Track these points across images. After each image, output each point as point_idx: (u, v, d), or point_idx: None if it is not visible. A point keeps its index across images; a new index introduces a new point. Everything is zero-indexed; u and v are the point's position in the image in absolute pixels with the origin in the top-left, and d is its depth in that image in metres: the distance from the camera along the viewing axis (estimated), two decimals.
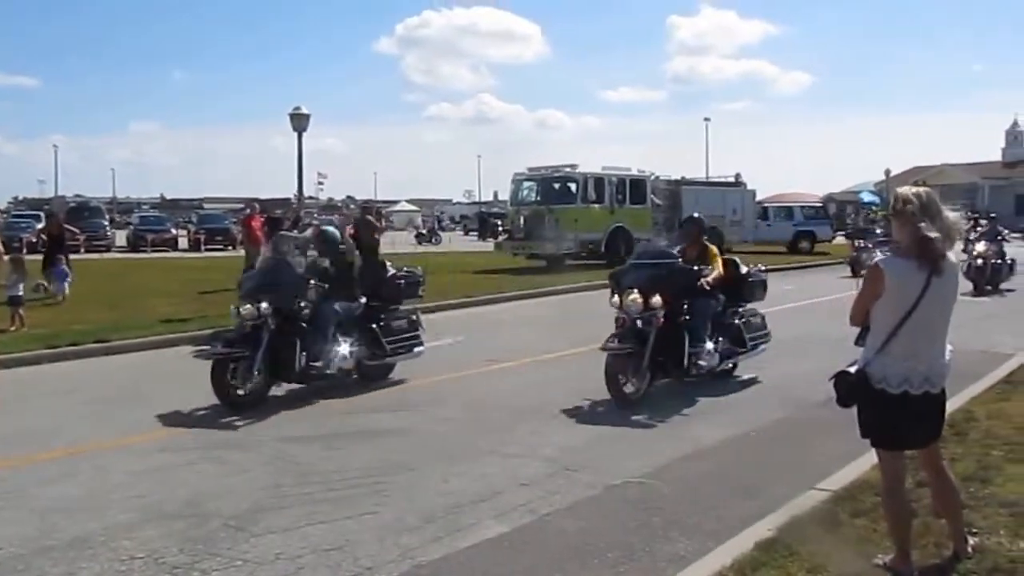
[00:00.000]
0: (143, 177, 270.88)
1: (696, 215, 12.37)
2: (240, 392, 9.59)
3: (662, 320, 9.86)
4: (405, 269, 12.25)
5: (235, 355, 9.58)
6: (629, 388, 9.74)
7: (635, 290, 9.89)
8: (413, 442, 8.36)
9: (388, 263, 12.48)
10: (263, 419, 9.24)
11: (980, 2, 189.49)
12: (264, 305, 9.77)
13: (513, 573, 5.35)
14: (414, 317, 11.89)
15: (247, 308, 9.82)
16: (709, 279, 10.43)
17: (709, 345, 10.36)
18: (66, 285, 19.60)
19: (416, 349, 11.67)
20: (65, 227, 21.00)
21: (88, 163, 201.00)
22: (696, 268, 10.52)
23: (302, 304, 10.27)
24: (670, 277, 10.24)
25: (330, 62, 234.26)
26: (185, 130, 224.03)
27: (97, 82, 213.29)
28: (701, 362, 10.23)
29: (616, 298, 10.24)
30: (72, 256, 22.64)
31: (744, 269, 11.64)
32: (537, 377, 11.72)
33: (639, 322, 9.90)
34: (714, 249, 11.06)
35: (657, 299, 9.78)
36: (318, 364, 10.19)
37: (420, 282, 12.23)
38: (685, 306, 10.33)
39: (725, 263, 11.14)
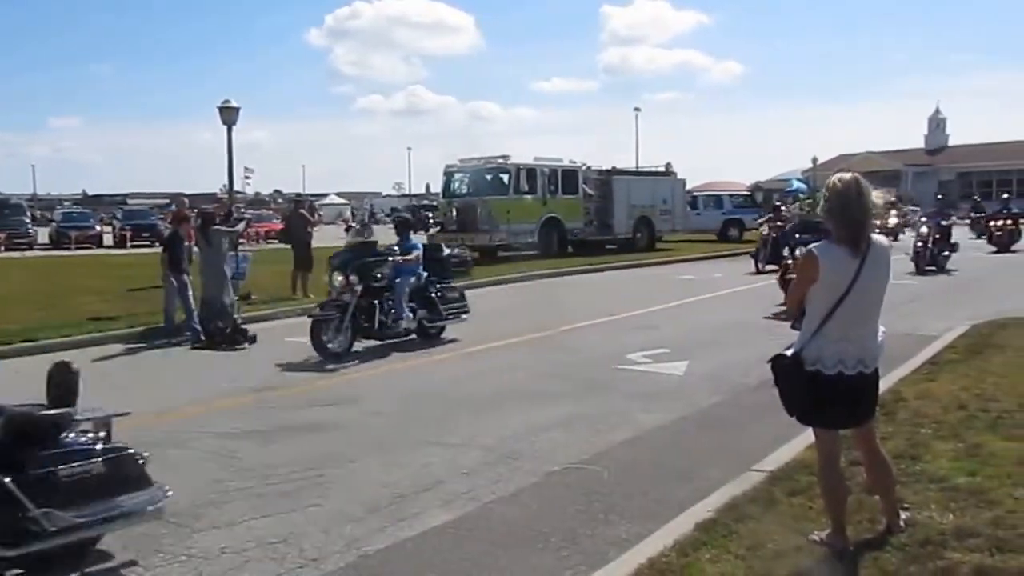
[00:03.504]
0: (65, 173, 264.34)
1: (403, 212, 16.28)
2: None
3: (359, 293, 12.79)
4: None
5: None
6: (332, 345, 12.44)
7: (337, 272, 13.00)
8: (353, 434, 8.36)
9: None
10: (198, 416, 9.16)
11: None
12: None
13: (459, 560, 5.40)
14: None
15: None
16: (399, 259, 13.61)
17: (407, 311, 13.30)
18: None
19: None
20: None
21: (8, 160, 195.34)
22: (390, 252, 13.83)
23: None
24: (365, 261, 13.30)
25: (258, 55, 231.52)
26: (108, 125, 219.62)
27: (16, 78, 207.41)
28: (398, 325, 13.18)
29: (327, 278, 13.39)
30: None
31: (445, 251, 15.00)
32: (472, 368, 11.78)
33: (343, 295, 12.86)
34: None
35: (355, 277, 12.78)
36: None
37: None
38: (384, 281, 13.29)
39: (427, 246, 14.94)
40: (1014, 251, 29.96)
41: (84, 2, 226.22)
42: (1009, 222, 31.53)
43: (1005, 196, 33.95)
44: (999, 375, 9.12)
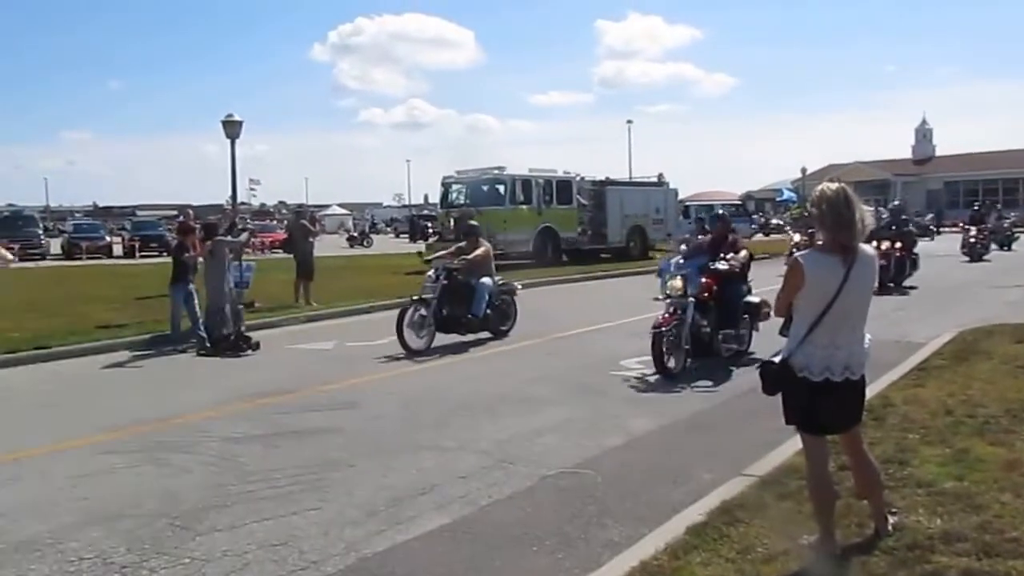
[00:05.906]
0: (76, 185, 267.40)
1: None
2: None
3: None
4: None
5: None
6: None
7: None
8: (351, 439, 8.46)
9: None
10: (202, 421, 9.27)
11: (893, 7, 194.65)
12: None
13: (456, 563, 5.50)
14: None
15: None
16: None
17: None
18: None
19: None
20: None
21: (20, 172, 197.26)
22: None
23: None
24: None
25: (263, 70, 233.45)
26: (117, 138, 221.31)
27: (30, 93, 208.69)
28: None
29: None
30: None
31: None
32: (468, 373, 11.91)
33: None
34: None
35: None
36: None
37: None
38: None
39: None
40: (907, 288, 20.95)
41: (97, 20, 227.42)
42: (899, 245, 21.01)
43: (896, 204, 25.66)
44: (985, 381, 9.23)
